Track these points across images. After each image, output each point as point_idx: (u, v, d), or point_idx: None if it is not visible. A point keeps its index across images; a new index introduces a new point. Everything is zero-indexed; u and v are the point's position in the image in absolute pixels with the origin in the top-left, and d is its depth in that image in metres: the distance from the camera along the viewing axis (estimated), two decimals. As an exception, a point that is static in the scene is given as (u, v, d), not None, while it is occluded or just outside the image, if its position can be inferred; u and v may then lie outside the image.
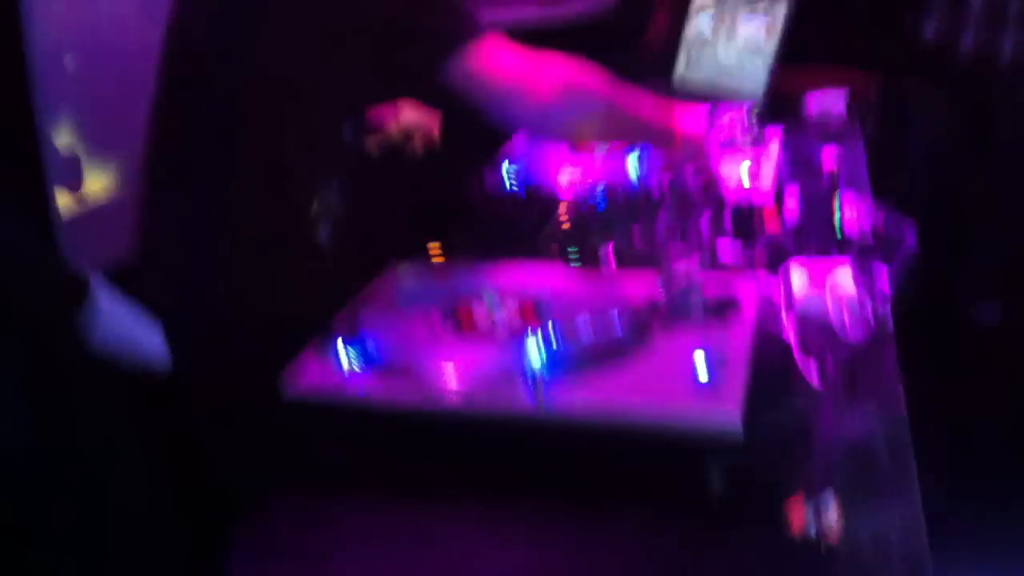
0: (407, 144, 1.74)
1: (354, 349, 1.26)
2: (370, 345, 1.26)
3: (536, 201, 1.76)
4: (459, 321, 1.32)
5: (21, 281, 1.23)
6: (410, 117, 1.76)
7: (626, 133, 1.76)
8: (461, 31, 1.49)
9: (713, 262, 1.40)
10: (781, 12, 2.47)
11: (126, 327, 1.32)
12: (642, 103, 1.70)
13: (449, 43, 1.48)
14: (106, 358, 1.30)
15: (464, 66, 1.48)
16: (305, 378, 1.24)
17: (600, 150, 1.94)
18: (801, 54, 2.58)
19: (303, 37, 1.42)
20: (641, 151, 1.87)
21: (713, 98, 2.43)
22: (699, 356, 1.16)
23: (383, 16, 1.44)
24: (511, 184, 1.83)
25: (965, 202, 3.43)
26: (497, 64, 1.51)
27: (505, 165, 1.87)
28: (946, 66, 3.45)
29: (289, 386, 1.23)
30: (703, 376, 1.14)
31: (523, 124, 1.67)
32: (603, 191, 1.76)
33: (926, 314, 1.56)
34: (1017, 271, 3.53)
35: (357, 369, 1.24)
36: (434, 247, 1.61)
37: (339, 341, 1.26)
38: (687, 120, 1.83)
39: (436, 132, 1.78)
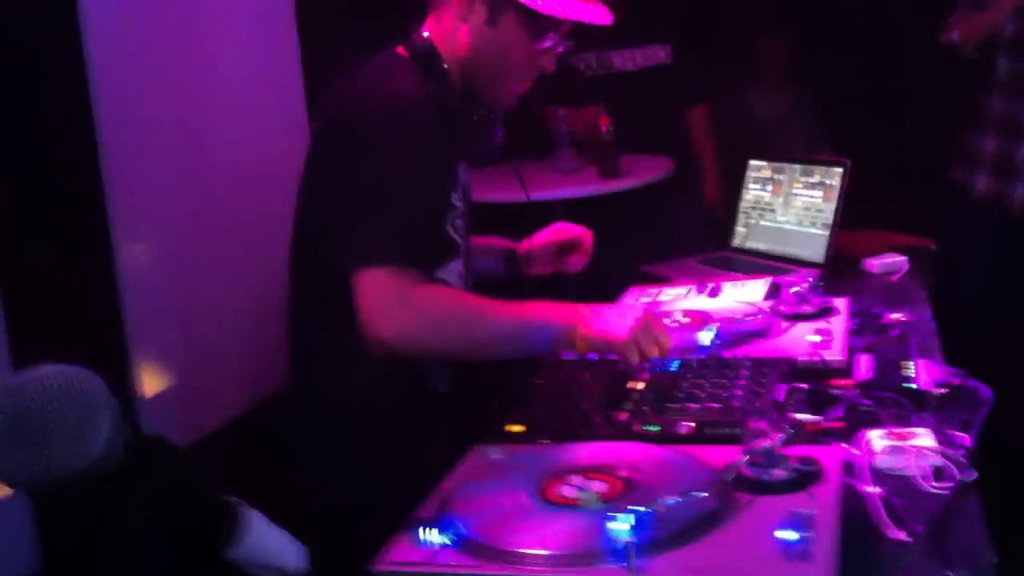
0: None
1: (443, 528, 1.29)
2: (458, 523, 1.29)
3: (611, 373, 1.80)
4: (546, 499, 1.34)
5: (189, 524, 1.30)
6: None
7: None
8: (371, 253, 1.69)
9: (792, 433, 1.42)
10: (837, 180, 2.55)
11: (271, 547, 1.36)
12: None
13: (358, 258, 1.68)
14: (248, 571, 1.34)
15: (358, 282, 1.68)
16: (395, 555, 1.26)
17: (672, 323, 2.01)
18: (858, 220, 2.65)
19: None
20: (717, 323, 1.92)
21: (775, 266, 2.50)
22: (790, 526, 1.17)
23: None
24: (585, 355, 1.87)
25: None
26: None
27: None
28: (999, 220, 3.50)
29: (379, 563, 1.25)
30: (794, 543, 1.15)
31: None
32: (679, 363, 1.80)
33: (1009, 467, 1.55)
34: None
35: (447, 545, 1.26)
36: (514, 426, 1.65)
37: (428, 521, 1.30)
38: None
39: None
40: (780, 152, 3.15)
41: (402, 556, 1.26)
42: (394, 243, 1.69)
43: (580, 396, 1.72)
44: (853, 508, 1.30)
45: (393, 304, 1.67)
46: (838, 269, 2.49)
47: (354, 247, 1.70)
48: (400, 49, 1.91)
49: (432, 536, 1.28)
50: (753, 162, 2.88)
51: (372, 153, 1.72)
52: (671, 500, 1.25)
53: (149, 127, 2.67)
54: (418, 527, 1.29)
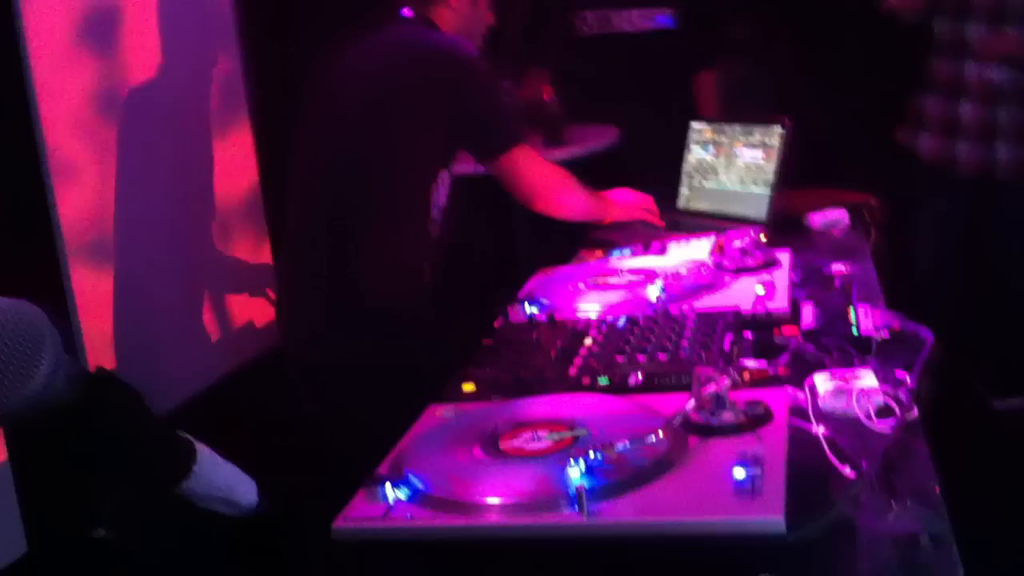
0: None
1: (399, 487, 1.30)
2: (414, 481, 1.30)
3: (562, 330, 1.82)
4: (499, 451, 1.35)
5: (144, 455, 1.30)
6: None
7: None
8: (511, 138, 2.30)
9: (740, 379, 1.44)
10: (777, 140, 2.57)
11: (223, 481, 1.36)
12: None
13: (503, 145, 2.29)
14: (203, 507, 1.34)
15: (507, 163, 2.30)
16: (353, 512, 1.27)
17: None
18: (800, 177, 2.68)
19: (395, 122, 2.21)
20: (662, 280, 1.95)
21: (720, 225, 2.52)
22: (739, 464, 1.19)
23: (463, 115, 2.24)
24: (534, 316, 1.89)
25: (970, 309, 3.50)
26: (529, 165, 2.32)
27: (527, 299, 1.94)
28: (943, 181, 3.57)
29: (338, 523, 1.26)
30: (744, 483, 1.18)
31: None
32: (626, 318, 1.82)
33: (950, 406, 1.59)
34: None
35: (403, 500, 1.27)
36: (467, 385, 1.66)
37: (384, 478, 1.30)
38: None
39: None
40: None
41: (360, 513, 1.27)
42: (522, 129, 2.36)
43: (530, 354, 1.73)
44: (801, 450, 1.32)
45: (544, 162, 2.39)
46: (781, 227, 2.52)
47: (498, 138, 2.30)
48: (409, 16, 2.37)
49: (388, 492, 1.29)
50: (695, 124, 2.90)
51: (475, 77, 2.26)
52: (622, 445, 1.27)
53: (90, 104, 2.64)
54: (374, 484, 1.30)
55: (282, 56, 3.43)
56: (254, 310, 3.31)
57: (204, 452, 1.35)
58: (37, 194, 2.39)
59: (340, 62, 2.35)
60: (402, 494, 1.29)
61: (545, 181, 2.38)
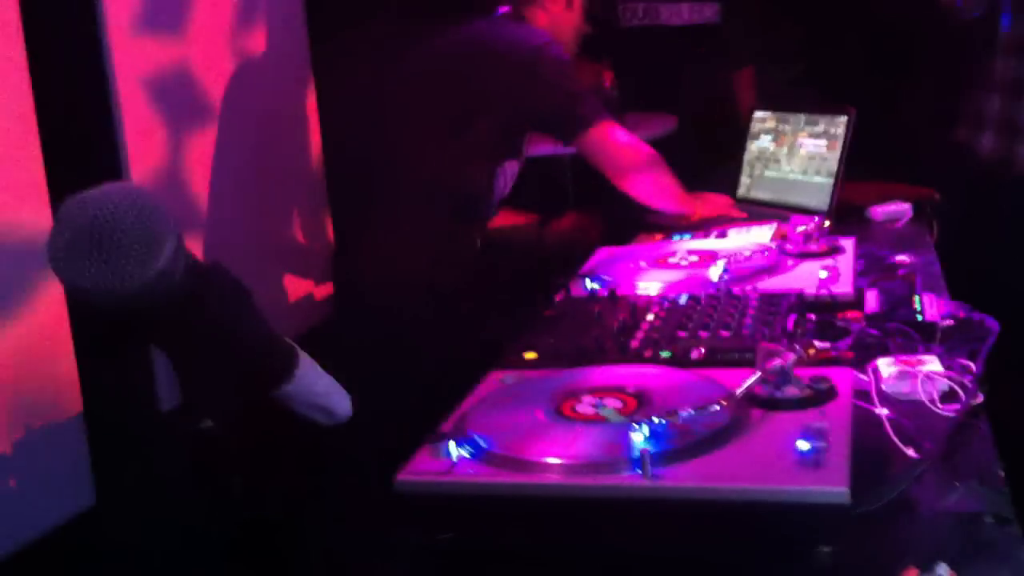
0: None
1: (462, 444, 1.31)
2: (478, 439, 1.32)
3: (623, 306, 1.83)
4: (563, 415, 1.37)
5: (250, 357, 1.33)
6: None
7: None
8: (591, 117, 2.33)
9: (804, 355, 1.45)
10: (841, 130, 2.56)
11: (321, 388, 1.39)
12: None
13: (582, 124, 2.33)
14: (301, 415, 1.37)
15: (590, 141, 2.34)
16: (415, 466, 1.29)
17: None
18: (863, 175, 2.67)
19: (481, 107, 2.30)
20: (725, 260, 1.95)
21: (781, 214, 2.52)
22: (803, 436, 1.20)
23: (541, 106, 2.33)
24: (595, 292, 1.91)
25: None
26: (614, 140, 2.36)
27: (589, 275, 1.95)
28: (1003, 180, 3.52)
29: (402, 476, 1.28)
30: (808, 454, 1.18)
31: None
32: (688, 296, 1.82)
33: (1015, 392, 1.59)
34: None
35: (465, 458, 1.29)
36: (529, 353, 1.67)
37: (448, 438, 1.32)
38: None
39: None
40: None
41: (422, 467, 1.29)
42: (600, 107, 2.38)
43: (591, 327, 1.74)
44: (864, 430, 1.32)
45: (629, 142, 2.40)
46: (843, 218, 2.51)
47: (577, 117, 2.34)
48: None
49: (451, 449, 1.30)
50: (758, 112, 2.90)
51: (548, 63, 2.32)
52: (686, 413, 1.28)
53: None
54: (439, 442, 1.32)
55: (350, 42, 3.46)
56: (309, 286, 3.34)
57: (305, 358, 1.38)
58: (111, 156, 2.42)
59: (420, 49, 2.40)
60: (465, 452, 1.31)
61: (627, 159, 2.39)
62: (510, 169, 2.41)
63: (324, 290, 3.31)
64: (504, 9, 2.48)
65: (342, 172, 2.48)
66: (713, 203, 2.65)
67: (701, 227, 2.50)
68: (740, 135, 2.98)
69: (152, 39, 2.65)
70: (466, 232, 2.35)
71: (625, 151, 2.37)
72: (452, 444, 1.31)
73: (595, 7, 2.58)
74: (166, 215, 1.24)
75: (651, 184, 2.44)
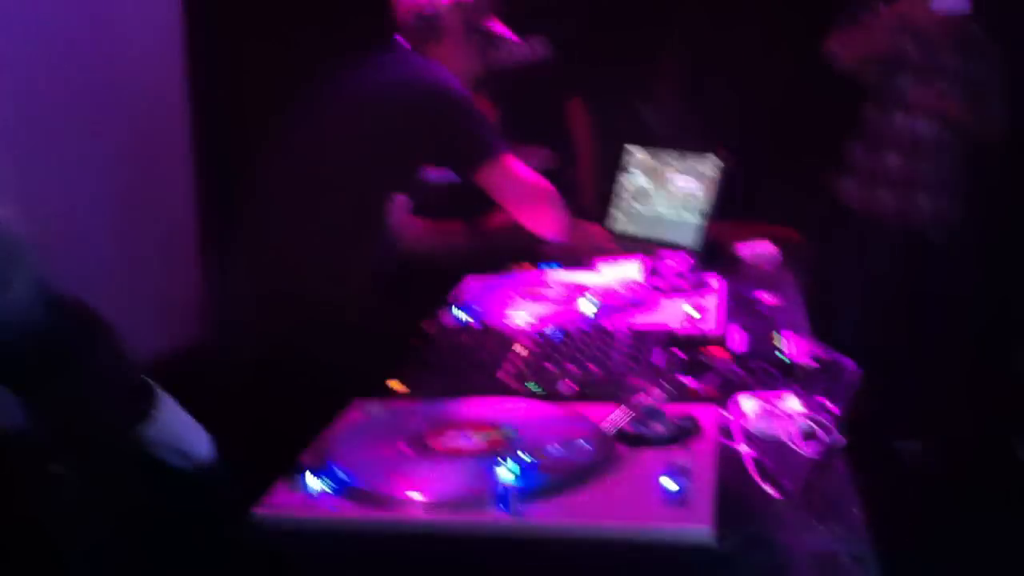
0: None
1: (323, 477, 1.28)
2: (339, 472, 1.28)
3: (493, 337, 1.81)
4: (428, 449, 1.34)
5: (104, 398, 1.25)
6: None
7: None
8: (489, 150, 2.30)
9: (669, 394, 1.45)
10: (713, 170, 2.61)
11: (179, 430, 1.33)
12: None
13: (482, 157, 2.30)
14: (157, 458, 1.30)
15: (488, 174, 2.30)
16: (276, 502, 1.25)
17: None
18: (732, 210, 2.72)
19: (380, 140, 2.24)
20: (596, 294, 1.96)
21: (652, 248, 2.55)
22: (669, 474, 1.20)
23: (441, 140, 2.28)
24: (466, 321, 1.89)
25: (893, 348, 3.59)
26: (514, 174, 2.33)
27: (458, 305, 1.93)
28: (866, 224, 3.65)
29: (260, 509, 1.23)
30: (674, 492, 1.18)
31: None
32: (559, 328, 1.82)
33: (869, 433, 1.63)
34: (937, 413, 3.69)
35: (328, 492, 1.25)
36: (395, 383, 1.64)
37: (308, 471, 1.28)
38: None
39: None
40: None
41: (283, 501, 1.25)
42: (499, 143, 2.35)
43: (461, 358, 1.72)
44: (727, 467, 1.33)
45: (524, 177, 2.36)
46: (711, 255, 2.55)
47: (473, 153, 2.31)
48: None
49: (313, 482, 1.26)
50: (630, 147, 2.93)
51: (451, 102, 2.30)
52: (552, 448, 1.26)
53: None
54: (298, 474, 1.28)
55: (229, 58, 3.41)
56: (175, 304, 3.25)
57: (165, 399, 1.31)
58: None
59: (331, 84, 2.38)
60: (325, 485, 1.27)
61: (519, 195, 2.38)
62: (403, 202, 2.38)
63: (191, 312, 3.23)
64: (402, 42, 2.46)
65: (220, 196, 2.44)
66: (591, 234, 2.67)
67: (577, 259, 2.51)
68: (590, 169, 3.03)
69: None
70: (354, 261, 2.31)
71: (523, 184, 2.37)
72: (311, 476, 1.27)
73: (491, 49, 2.57)
74: (23, 245, 1.17)
75: (545, 216, 2.44)
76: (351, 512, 1.23)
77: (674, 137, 3.27)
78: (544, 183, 2.43)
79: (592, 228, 2.69)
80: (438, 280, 2.35)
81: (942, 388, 3.71)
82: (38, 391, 1.21)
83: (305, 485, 1.27)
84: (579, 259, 2.49)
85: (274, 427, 1.65)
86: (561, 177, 2.65)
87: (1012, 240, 3.75)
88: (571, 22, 3.85)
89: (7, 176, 2.43)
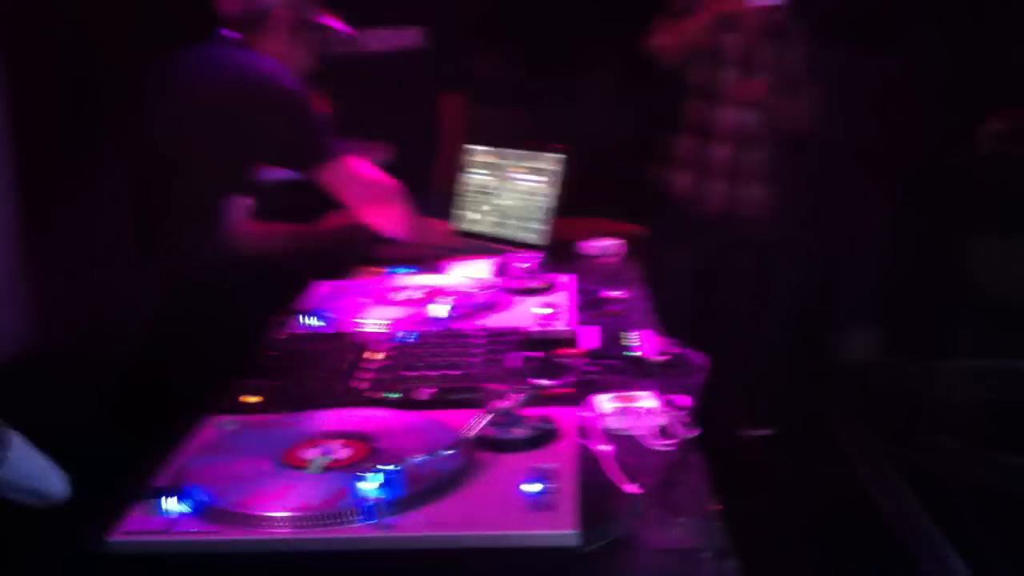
0: None
1: (180, 498, 1.24)
2: (198, 491, 1.25)
3: (345, 343, 1.79)
4: (288, 464, 1.32)
5: None
6: None
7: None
8: (329, 150, 2.27)
9: (531, 394, 1.47)
10: (556, 166, 2.64)
11: (33, 471, 1.26)
12: None
13: (321, 157, 2.27)
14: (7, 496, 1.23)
15: (329, 174, 2.28)
16: (131, 525, 1.21)
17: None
18: (578, 208, 2.76)
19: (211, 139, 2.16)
20: (450, 297, 1.96)
21: (500, 246, 2.56)
22: (532, 479, 1.21)
23: (276, 139, 2.22)
24: (316, 327, 1.87)
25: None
26: (353, 172, 2.32)
27: (306, 311, 1.91)
28: (693, 217, 3.76)
29: (115, 536, 1.19)
30: (537, 496, 1.19)
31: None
32: (413, 334, 1.81)
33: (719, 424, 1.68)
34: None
35: (186, 513, 1.22)
36: (251, 396, 1.61)
37: (164, 490, 1.25)
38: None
39: None
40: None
41: (139, 526, 1.21)
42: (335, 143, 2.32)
43: (314, 366, 1.70)
44: (587, 466, 1.35)
45: (365, 176, 2.37)
46: (557, 253, 2.58)
47: (311, 153, 2.28)
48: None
49: (170, 504, 1.23)
50: (474, 147, 2.94)
51: (286, 100, 2.23)
52: (417, 458, 1.26)
53: None
54: (153, 496, 1.24)
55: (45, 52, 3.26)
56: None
57: (18, 440, 1.25)
58: None
59: (165, 76, 2.28)
60: (184, 507, 1.23)
61: (361, 194, 2.36)
62: (241, 203, 2.33)
63: (17, 320, 3.08)
64: (228, 34, 2.38)
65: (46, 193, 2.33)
66: (436, 230, 2.67)
67: (424, 258, 2.50)
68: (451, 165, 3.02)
69: None
70: (188, 265, 2.24)
71: (365, 183, 2.35)
72: (168, 498, 1.23)
73: (323, 42, 2.52)
74: None
75: (390, 215, 2.43)
76: (213, 533, 1.20)
77: (515, 136, 3.32)
78: (386, 179, 2.41)
79: (438, 224, 2.69)
80: (280, 285, 2.31)
81: (779, 376, 3.87)
82: None
83: (161, 507, 1.23)
84: (425, 258, 2.48)
85: (115, 443, 1.60)
86: (405, 172, 2.61)
87: (835, 231, 3.94)
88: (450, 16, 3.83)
89: None
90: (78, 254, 2.23)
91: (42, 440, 1.35)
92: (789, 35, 3.63)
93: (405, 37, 3.75)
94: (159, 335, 2.10)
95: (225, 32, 2.36)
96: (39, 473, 1.28)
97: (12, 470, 1.24)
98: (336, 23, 2.53)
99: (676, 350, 1.75)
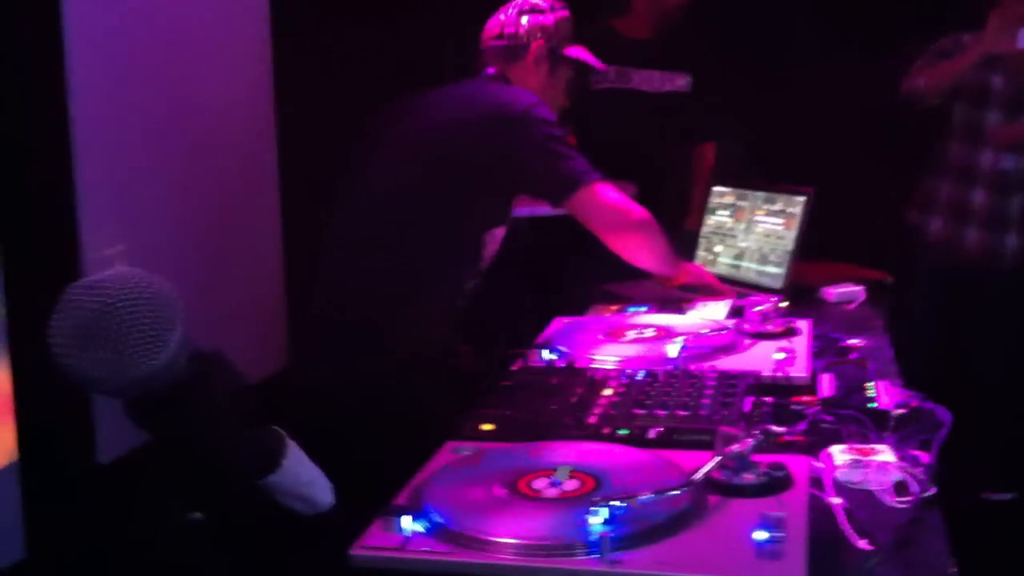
0: None
1: (418, 519, 1.30)
2: (433, 514, 1.31)
3: (580, 379, 1.83)
4: (520, 493, 1.36)
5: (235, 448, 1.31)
6: None
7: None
8: (580, 178, 2.30)
9: (763, 439, 1.45)
10: (799, 209, 2.60)
11: (305, 478, 1.37)
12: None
13: (572, 186, 2.30)
14: (281, 505, 1.35)
15: (579, 202, 2.31)
16: (370, 540, 1.27)
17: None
18: (818, 250, 2.71)
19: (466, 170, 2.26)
20: (683, 337, 1.96)
21: (741, 289, 2.54)
22: (761, 526, 1.20)
23: (528, 168, 2.29)
24: (553, 362, 1.91)
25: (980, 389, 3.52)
26: (604, 200, 2.33)
27: (546, 345, 1.95)
28: (950, 265, 3.60)
29: (356, 550, 1.26)
30: (765, 545, 1.18)
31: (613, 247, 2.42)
32: (645, 372, 1.83)
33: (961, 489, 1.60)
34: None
35: (421, 533, 1.28)
36: (486, 424, 1.66)
37: (403, 512, 1.31)
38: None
39: None
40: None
41: (377, 541, 1.27)
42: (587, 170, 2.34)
43: (549, 399, 1.74)
44: (817, 519, 1.33)
45: (617, 204, 2.36)
46: (796, 297, 2.54)
47: (561, 182, 2.31)
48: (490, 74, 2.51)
49: (406, 523, 1.29)
50: (717, 188, 2.93)
51: (531, 126, 2.29)
52: (644, 496, 1.27)
53: (123, 128, 2.68)
54: (392, 515, 1.30)
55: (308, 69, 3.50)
56: (262, 337, 3.32)
57: (293, 448, 1.36)
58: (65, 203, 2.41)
59: (414, 112, 2.41)
60: (420, 526, 1.29)
61: (617, 219, 2.38)
62: (498, 235, 2.40)
63: (277, 342, 3.29)
64: (491, 70, 2.49)
65: (312, 233, 2.48)
66: (697, 273, 2.65)
67: (670, 299, 2.51)
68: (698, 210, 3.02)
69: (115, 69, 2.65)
70: (444, 297, 2.33)
71: (615, 211, 2.37)
72: (406, 518, 1.29)
73: (579, 81, 2.59)
74: (176, 303, 1.23)
75: (640, 244, 2.43)
76: (444, 554, 1.25)
77: (761, 176, 3.29)
78: (638, 209, 2.42)
79: (692, 266, 2.68)
80: (525, 317, 2.37)
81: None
82: (180, 439, 1.27)
83: (400, 526, 1.29)
84: (671, 299, 2.49)
85: (366, 466, 1.68)
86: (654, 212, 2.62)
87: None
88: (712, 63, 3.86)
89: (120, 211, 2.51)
90: (336, 281, 2.35)
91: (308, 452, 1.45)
92: None
93: (674, 81, 3.79)
94: (411, 363, 2.18)
95: (489, 70, 2.47)
96: (309, 480, 1.38)
97: (287, 476, 1.34)
98: (591, 58, 2.58)
99: (917, 403, 1.69)
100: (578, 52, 2.56)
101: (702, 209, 2.98)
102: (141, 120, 2.79)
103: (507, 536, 1.25)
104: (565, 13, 2.54)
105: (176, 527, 1.28)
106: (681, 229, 3.53)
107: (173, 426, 1.26)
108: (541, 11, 2.48)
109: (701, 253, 2.88)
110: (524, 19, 2.46)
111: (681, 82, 3.77)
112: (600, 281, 2.82)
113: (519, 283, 2.92)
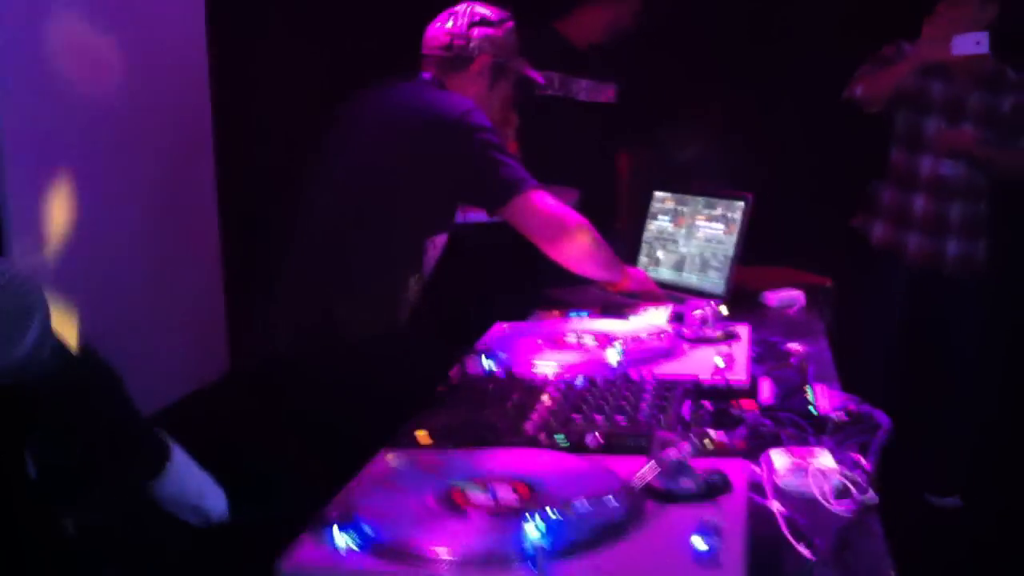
0: None
1: (349, 531, 1.26)
2: (365, 527, 1.27)
3: (519, 386, 1.80)
4: (454, 504, 1.33)
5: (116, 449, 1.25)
6: None
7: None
8: (516, 185, 2.29)
9: (700, 447, 1.43)
10: (739, 214, 2.60)
11: (194, 487, 1.32)
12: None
13: (506, 193, 2.29)
14: (170, 513, 1.29)
15: (515, 210, 2.30)
16: (301, 556, 1.23)
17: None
18: (759, 258, 2.71)
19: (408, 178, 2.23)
20: (622, 343, 1.95)
21: (677, 296, 2.53)
22: (699, 533, 1.18)
23: (465, 175, 2.28)
24: (491, 370, 1.88)
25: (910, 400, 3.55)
26: (542, 208, 2.32)
27: (484, 353, 1.92)
28: (892, 269, 3.63)
29: (285, 564, 1.22)
30: (704, 552, 1.16)
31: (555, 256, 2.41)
32: (584, 379, 1.81)
33: (903, 491, 1.60)
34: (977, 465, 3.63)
35: (353, 549, 1.24)
36: (421, 434, 1.63)
37: (334, 525, 1.27)
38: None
39: None
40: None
41: (308, 557, 1.23)
42: (525, 178, 2.33)
43: (486, 407, 1.71)
44: (757, 524, 1.31)
45: (553, 212, 2.36)
46: (738, 301, 2.53)
47: (499, 189, 2.30)
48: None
49: (339, 538, 1.25)
50: (658, 193, 2.92)
51: (472, 134, 2.28)
52: (581, 505, 1.25)
53: (52, 131, 2.62)
54: (324, 528, 1.26)
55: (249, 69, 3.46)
56: (205, 335, 3.26)
57: (178, 453, 1.30)
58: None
59: (351, 118, 2.39)
60: (351, 539, 1.25)
61: (548, 229, 2.37)
62: (439, 241, 2.38)
63: (218, 347, 3.23)
64: (426, 75, 2.45)
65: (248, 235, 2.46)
66: (639, 279, 2.64)
67: (611, 304, 2.50)
68: (634, 215, 3.01)
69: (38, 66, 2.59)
70: (385, 303, 2.30)
71: (551, 219, 2.35)
72: (337, 530, 1.26)
73: (519, 94, 2.57)
74: (37, 293, 1.18)
75: (580, 251, 2.41)
76: (377, 568, 1.21)
77: (702, 181, 3.29)
78: (576, 217, 2.40)
79: (634, 271, 2.66)
80: (464, 324, 2.34)
81: (976, 440, 3.67)
82: (50, 440, 1.21)
83: (331, 539, 1.25)
84: (612, 305, 2.47)
85: (297, 472, 1.65)
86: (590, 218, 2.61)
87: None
88: (639, 72, 3.86)
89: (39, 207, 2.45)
90: (273, 286, 2.33)
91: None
92: (1004, 84, 3.49)
93: (602, 91, 3.79)
94: (356, 368, 2.16)
95: (425, 75, 2.43)
96: (198, 490, 1.33)
97: (173, 484, 1.28)
98: (534, 73, 2.56)
99: (856, 407, 1.68)
100: (522, 66, 2.54)
101: (630, 210, 2.98)
102: (71, 123, 2.72)
103: (440, 548, 1.21)
104: (511, 24, 2.52)
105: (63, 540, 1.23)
106: (614, 230, 3.53)
107: (42, 426, 1.21)
108: (491, 23, 2.46)
109: (643, 259, 2.87)
110: (474, 31, 2.43)
111: (610, 93, 3.79)
112: (545, 285, 2.80)
113: (464, 288, 2.88)
